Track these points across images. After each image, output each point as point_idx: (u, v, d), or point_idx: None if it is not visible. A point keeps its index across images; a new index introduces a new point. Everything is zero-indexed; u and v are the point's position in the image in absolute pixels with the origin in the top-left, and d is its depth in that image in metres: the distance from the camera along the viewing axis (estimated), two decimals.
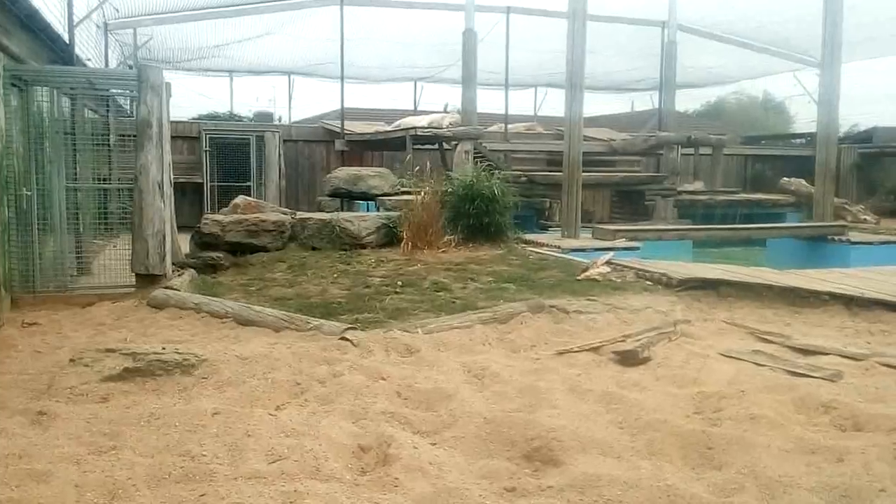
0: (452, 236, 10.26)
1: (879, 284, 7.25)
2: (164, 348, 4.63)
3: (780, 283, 7.15)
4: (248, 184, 16.78)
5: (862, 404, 3.96)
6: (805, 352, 5.21)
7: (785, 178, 18.24)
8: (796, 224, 14.16)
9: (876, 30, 17.84)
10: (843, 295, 6.74)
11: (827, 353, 5.11)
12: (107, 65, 16.86)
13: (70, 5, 10.32)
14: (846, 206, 16.19)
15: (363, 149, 19.23)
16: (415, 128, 16.30)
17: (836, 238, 12.25)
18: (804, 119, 25.16)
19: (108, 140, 9.08)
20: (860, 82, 21.60)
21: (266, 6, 18.18)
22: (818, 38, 13.99)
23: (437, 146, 17.10)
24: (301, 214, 10.74)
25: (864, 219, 15.83)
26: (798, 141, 23.37)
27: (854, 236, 12.42)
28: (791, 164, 20.51)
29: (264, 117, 21.08)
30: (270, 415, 3.71)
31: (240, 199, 10.86)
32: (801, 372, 4.63)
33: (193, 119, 19.74)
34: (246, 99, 23.56)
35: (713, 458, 3.30)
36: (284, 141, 17.91)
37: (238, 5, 17.95)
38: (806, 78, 22.78)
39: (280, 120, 21.92)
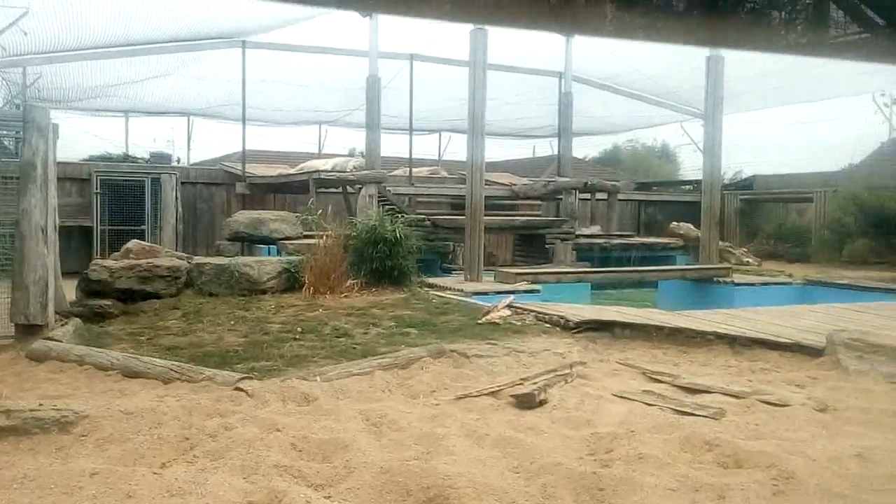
0: (356, 280, 10.20)
1: (759, 324, 7.68)
2: (40, 404, 4.36)
3: (670, 324, 7.46)
4: (142, 227, 16.17)
5: (742, 441, 4.15)
6: (692, 391, 5.44)
7: (674, 223, 19.15)
8: (684, 266, 14.85)
9: (756, 84, 19.18)
10: (726, 335, 7.10)
11: (712, 392, 5.35)
12: None
13: None
14: (730, 249, 17.12)
15: (265, 192, 18.94)
16: (318, 171, 16.22)
17: (721, 280, 12.92)
18: (691, 166, 26.66)
19: None
20: (743, 132, 23.17)
21: (163, 46, 17.78)
22: (702, 92, 14.92)
23: (341, 190, 17.05)
24: (198, 259, 10.43)
25: (747, 261, 16.76)
26: (686, 187, 24.66)
27: (738, 278, 13.13)
28: (680, 209, 21.59)
29: (162, 158, 20.46)
30: (155, 473, 3.54)
31: (132, 244, 10.44)
32: (687, 411, 4.82)
33: (85, 160, 18.94)
34: (143, 140, 22.81)
35: (604, 500, 3.37)
36: (182, 183, 17.42)
37: (133, 45, 17.48)
38: (692, 128, 24.19)
39: (179, 161, 21.33)
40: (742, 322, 7.82)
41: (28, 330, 6.93)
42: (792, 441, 4.21)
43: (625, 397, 5.23)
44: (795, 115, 23.07)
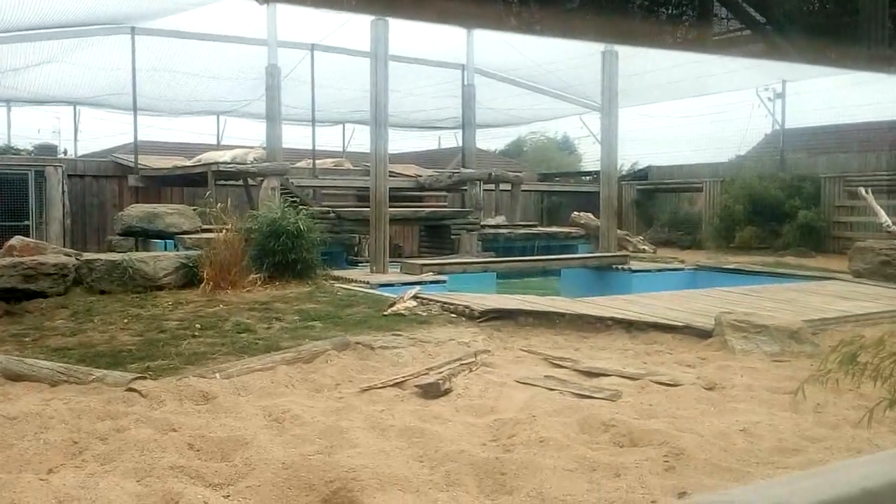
0: (258, 275, 9.96)
1: (654, 309, 8.01)
2: None
3: (571, 310, 7.67)
4: (25, 223, 15.21)
5: (637, 421, 4.32)
6: (591, 374, 5.62)
7: (576, 213, 19.68)
8: (585, 255, 15.28)
9: (649, 79, 19.92)
10: (624, 320, 7.36)
11: (609, 375, 5.54)
12: None
13: None
14: (628, 238, 17.75)
15: (161, 184, 18.20)
16: (217, 163, 15.70)
17: (619, 267, 13.38)
18: (591, 158, 27.44)
19: None
20: (638, 125, 24.04)
21: (47, 32, 16.77)
22: (599, 85, 15.37)
23: (242, 182, 16.60)
24: (88, 256, 9.93)
25: (644, 249, 17.42)
26: (586, 178, 25.38)
27: (635, 265, 13.62)
28: (581, 199, 22.21)
29: (47, 150, 19.31)
30: (41, 479, 3.35)
31: (16, 241, 9.84)
32: (586, 394, 4.98)
33: None
34: (26, 131, 21.45)
35: (505, 484, 3.43)
36: (70, 176, 16.51)
37: (14, 31, 16.40)
38: (591, 120, 24.89)
39: (66, 153, 20.19)
40: (638, 307, 8.13)
41: None
42: (683, 419, 4.42)
43: (527, 383, 5.34)
44: (685, 109, 24.12)
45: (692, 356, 6.34)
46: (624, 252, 14.87)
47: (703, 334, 6.88)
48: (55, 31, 16.73)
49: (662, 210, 22.29)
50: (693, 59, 18.42)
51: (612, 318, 7.40)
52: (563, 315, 7.57)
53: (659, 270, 13.36)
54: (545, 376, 5.54)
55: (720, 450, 3.86)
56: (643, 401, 4.83)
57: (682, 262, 14.41)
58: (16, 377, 5.29)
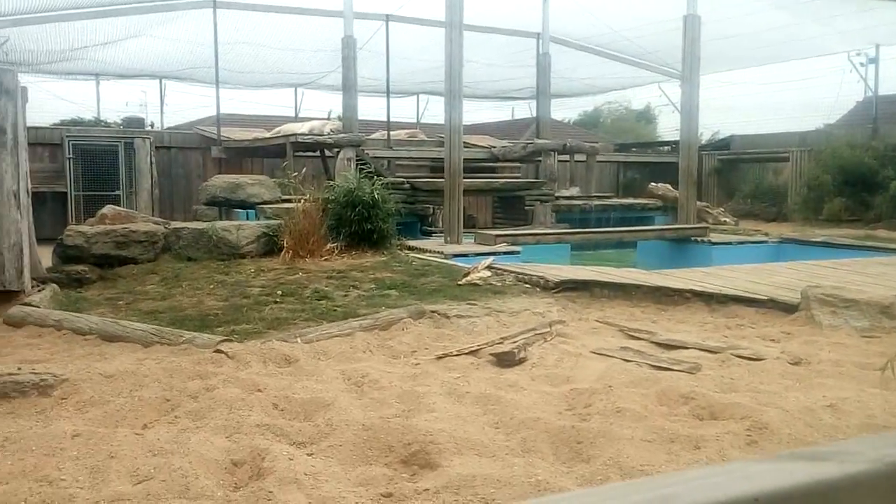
0: (335, 244, 10.16)
1: (736, 282, 7.78)
2: (19, 368, 4.34)
3: (648, 282, 7.54)
4: (117, 193, 15.94)
5: (718, 394, 4.23)
6: (669, 347, 5.53)
7: (653, 184, 19.25)
8: (663, 227, 14.96)
9: (733, 44, 19.17)
10: (703, 293, 7.19)
11: (688, 348, 5.43)
12: None
13: None
14: (708, 209, 17.26)
15: (242, 156, 18.72)
16: (295, 134, 16.03)
17: (698, 239, 13.05)
18: (670, 128, 26.70)
19: None
20: (721, 93, 23.20)
21: (133, 7, 17.35)
22: (680, 52, 14.89)
23: (318, 153, 16.90)
24: (175, 224, 10.33)
25: (725, 220, 16.93)
26: (664, 148, 24.73)
27: (715, 237, 13.26)
28: (659, 170, 21.68)
29: (135, 123, 20.09)
30: (136, 434, 3.54)
31: (108, 209, 10.31)
32: (664, 366, 4.90)
33: (56, 125, 18.56)
34: (115, 104, 22.36)
35: (582, 452, 3.43)
36: (157, 148, 17.15)
37: (103, 6, 17.04)
38: (670, 89, 24.18)
39: (152, 126, 20.96)
40: (718, 280, 7.92)
41: (4, 296, 6.85)
42: (766, 393, 4.30)
43: (603, 354, 5.30)
44: (771, 76, 23.16)
45: (776, 331, 6.15)
46: (703, 224, 14.48)
47: (787, 309, 6.66)
48: (141, 5, 17.29)
49: (745, 181, 21.55)
50: (780, 23, 17.63)
51: (690, 291, 7.24)
52: (639, 287, 7.45)
53: (741, 243, 12.96)
54: (621, 347, 5.48)
55: (805, 425, 3.75)
56: (724, 374, 4.73)
57: (766, 234, 13.95)
58: (112, 338, 5.59)
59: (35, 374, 4.22)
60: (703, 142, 21.74)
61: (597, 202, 18.01)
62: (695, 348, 5.40)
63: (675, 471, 3.10)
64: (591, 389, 4.32)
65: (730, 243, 12.87)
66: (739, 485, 0.63)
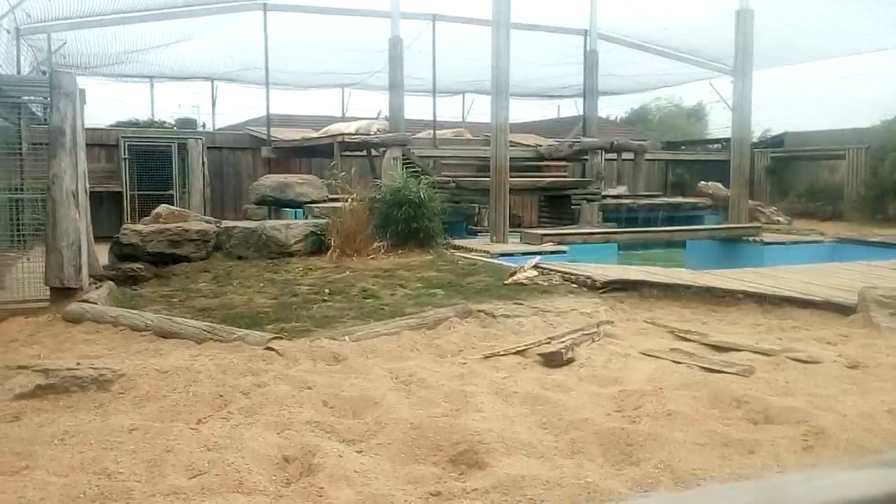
0: (381, 243, 10.23)
1: (789, 283, 7.60)
2: (78, 364, 4.47)
3: (698, 283, 7.41)
4: (170, 192, 16.33)
5: (772, 398, 4.14)
6: (720, 349, 5.42)
7: (702, 182, 18.91)
8: (713, 226, 14.69)
9: (785, 39, 18.71)
10: (755, 293, 7.04)
11: (740, 350, 5.32)
12: (19, 71, 16.16)
13: None
14: (760, 208, 16.88)
15: (290, 156, 18.99)
16: (342, 134, 16.21)
17: (750, 239, 12.77)
18: (720, 125, 26.13)
19: (20, 148, 8.70)
20: (773, 90, 22.62)
21: (186, 10, 17.74)
22: (731, 47, 14.60)
23: (365, 153, 17.04)
24: (226, 223, 10.54)
25: (777, 220, 16.54)
26: (715, 146, 24.24)
27: (767, 237, 12.96)
28: (709, 168, 21.27)
29: (187, 124, 20.55)
30: (191, 429, 3.63)
31: (161, 208, 10.57)
32: (715, 368, 4.81)
33: (111, 126, 19.08)
34: (168, 105, 22.88)
35: (632, 454, 3.39)
36: (208, 148, 17.50)
37: (157, 10, 17.46)
38: (721, 85, 23.68)
39: (204, 126, 21.40)
40: (771, 280, 7.74)
41: (63, 293, 7.07)
42: (822, 397, 4.19)
43: (653, 355, 5.23)
44: (826, 71, 22.43)
45: (832, 333, 5.99)
46: (755, 223, 14.17)
47: (844, 310, 6.48)
48: (194, 8, 17.67)
49: (799, 179, 20.99)
50: (836, 17, 17.14)
51: (742, 292, 7.09)
52: (689, 287, 7.33)
53: (794, 243, 12.66)
54: (671, 349, 5.40)
55: (864, 430, 3.64)
56: (778, 377, 4.62)
57: (821, 234, 13.59)
58: (166, 335, 5.72)
59: (94, 369, 4.35)
60: (754, 139, 21.25)
61: (644, 201, 17.77)
62: (748, 350, 5.29)
63: (731, 475, 3.05)
64: (640, 391, 4.27)
65: (783, 243, 12.58)
66: (827, 493, 0.62)
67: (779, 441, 3.51)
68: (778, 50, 19.15)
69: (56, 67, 17.41)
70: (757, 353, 5.24)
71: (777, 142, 22.38)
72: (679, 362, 5.01)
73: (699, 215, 17.42)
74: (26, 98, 8.66)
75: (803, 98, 25.23)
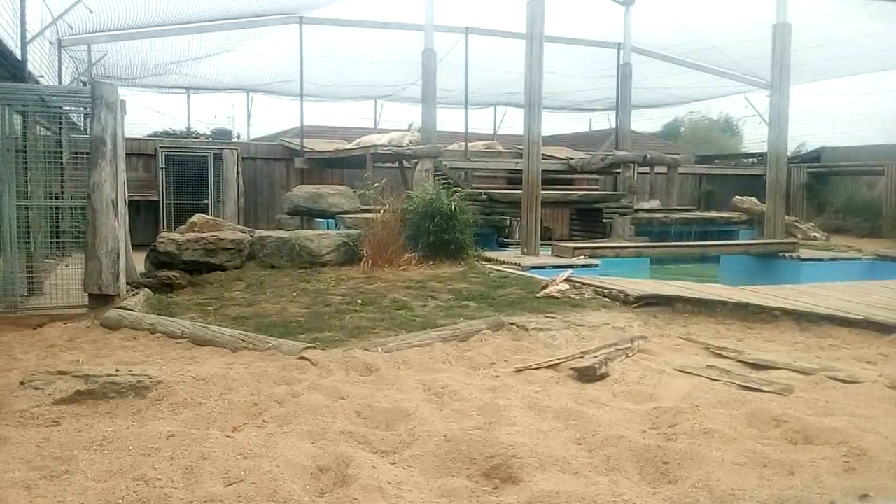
0: (413, 254, 10.27)
1: (828, 300, 7.46)
2: (117, 370, 4.54)
3: (734, 299, 7.31)
4: (205, 202, 16.57)
5: (812, 418, 4.06)
6: (757, 366, 5.33)
7: (737, 197, 18.67)
8: (749, 241, 14.50)
9: (823, 53, 18.46)
10: (793, 311, 6.92)
11: (778, 368, 5.23)
12: (60, 82, 16.55)
13: (23, 22, 10.12)
14: (796, 224, 16.62)
15: (323, 166, 19.16)
16: (375, 146, 16.32)
17: (787, 255, 12.57)
18: (755, 139, 25.82)
19: (61, 157, 8.90)
20: (809, 104, 22.30)
21: (224, 23, 18.06)
22: (768, 61, 14.44)
23: (397, 164, 17.14)
24: (260, 232, 10.65)
25: (814, 236, 16.26)
26: (750, 160, 23.96)
27: (804, 253, 12.75)
28: (743, 182, 21.02)
29: (223, 134, 20.88)
30: (227, 436, 3.65)
31: (197, 218, 10.72)
32: (753, 386, 4.73)
33: (149, 136, 19.45)
34: (204, 116, 23.32)
35: (668, 473, 3.35)
36: (243, 158, 17.75)
37: (196, 22, 17.79)
38: (756, 99, 23.42)
39: (239, 137, 21.73)
40: (809, 297, 7.61)
41: (101, 299, 7.20)
42: (864, 418, 4.10)
43: (688, 372, 5.16)
44: (864, 86, 22.05)
45: (872, 352, 5.86)
46: (792, 239, 13.96)
47: (884, 329, 6.33)
48: (231, 21, 17.98)
49: (836, 195, 20.62)
50: (874, 31, 16.88)
51: (780, 309, 6.98)
52: (725, 303, 7.23)
53: (832, 259, 12.44)
54: (707, 366, 5.32)
55: None
56: (818, 397, 4.53)
57: (859, 251, 13.32)
58: (202, 342, 5.79)
59: (132, 375, 4.41)
60: (789, 154, 20.96)
61: (677, 215, 17.60)
62: (786, 369, 5.20)
63: (771, 497, 2.99)
64: (676, 408, 4.21)
65: (820, 259, 12.37)
66: None
67: (819, 462, 3.44)
68: (814, 64, 18.91)
69: (96, 78, 17.82)
70: (795, 371, 5.14)
71: (814, 157, 22.06)
72: (715, 380, 4.94)
73: (734, 230, 17.20)
74: (67, 108, 8.86)
75: (840, 112, 24.82)
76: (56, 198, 8.73)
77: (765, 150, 16.25)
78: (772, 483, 3.21)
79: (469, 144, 19.88)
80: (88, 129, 7.50)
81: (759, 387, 4.72)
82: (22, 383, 4.46)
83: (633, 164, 17.80)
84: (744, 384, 4.80)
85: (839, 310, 6.90)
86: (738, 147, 30.25)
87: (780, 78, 13.87)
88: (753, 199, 17.78)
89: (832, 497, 3.09)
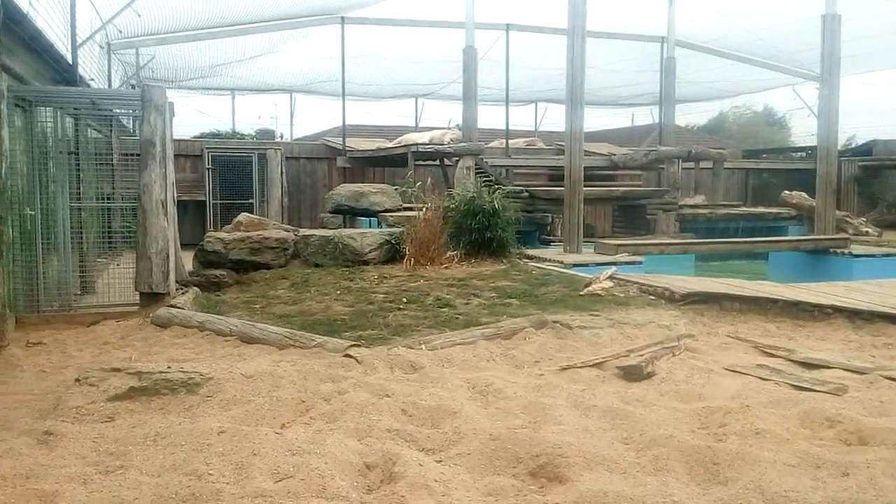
0: (455, 252, 10.28)
1: (882, 297, 7.25)
2: (169, 367, 4.64)
3: (784, 296, 7.15)
4: (250, 201, 16.84)
5: (867, 418, 3.95)
6: (809, 366, 5.21)
7: (786, 192, 18.27)
8: (798, 237, 14.17)
9: (874, 43, 17.93)
10: (846, 308, 6.74)
11: (831, 367, 5.11)
12: (110, 84, 16.98)
13: (73, 26, 10.42)
14: (847, 219, 16.20)
15: (365, 165, 19.30)
16: (416, 144, 16.37)
17: (838, 251, 12.26)
18: (804, 132, 25.23)
19: (112, 159, 9.13)
20: (859, 96, 21.70)
21: (267, 25, 18.32)
22: (817, 52, 14.09)
23: (438, 162, 17.17)
24: (304, 231, 10.77)
25: (866, 231, 15.83)
26: (798, 154, 23.42)
27: (856, 249, 12.42)
28: (792, 177, 20.55)
29: (266, 135, 21.19)
30: (276, 433, 3.71)
31: (242, 217, 10.90)
32: (805, 386, 4.63)
33: (196, 137, 19.83)
34: (248, 117, 23.70)
35: (719, 474, 3.29)
36: (286, 158, 17.99)
37: (240, 24, 18.08)
38: (805, 91, 22.88)
39: (282, 137, 22.03)
40: (863, 295, 7.41)
41: (152, 298, 7.37)
42: None
43: (737, 371, 5.07)
44: None
45: None
46: (843, 235, 13.60)
47: None
48: (274, 23, 18.22)
49: (889, 189, 20.04)
50: None
51: (832, 307, 6.80)
52: (775, 301, 7.08)
53: (886, 255, 12.09)
54: (757, 365, 5.22)
55: None
56: (873, 397, 4.41)
57: None
58: (250, 340, 5.89)
59: (183, 372, 4.50)
60: (840, 147, 20.43)
61: (723, 211, 17.30)
62: (839, 368, 5.07)
63: (826, 499, 2.92)
64: (725, 408, 4.14)
65: (873, 256, 12.03)
66: None
67: (875, 463, 3.35)
68: (864, 55, 18.38)
69: (144, 81, 18.23)
70: (849, 370, 5.01)
71: (865, 150, 21.47)
72: (766, 379, 4.84)
73: (782, 226, 16.84)
74: (117, 111, 9.08)
75: (891, 105, 24.09)
76: (107, 199, 8.96)
77: (814, 143, 15.87)
78: (826, 485, 3.13)
79: (510, 141, 19.82)
80: (138, 132, 7.67)
81: (811, 386, 4.61)
82: (77, 380, 4.59)
83: (677, 160, 17.55)
84: (796, 384, 4.70)
85: (894, 307, 6.70)
86: (785, 141, 29.59)
87: (830, 70, 13.52)
88: (803, 193, 17.38)
89: (888, 499, 3.01)
